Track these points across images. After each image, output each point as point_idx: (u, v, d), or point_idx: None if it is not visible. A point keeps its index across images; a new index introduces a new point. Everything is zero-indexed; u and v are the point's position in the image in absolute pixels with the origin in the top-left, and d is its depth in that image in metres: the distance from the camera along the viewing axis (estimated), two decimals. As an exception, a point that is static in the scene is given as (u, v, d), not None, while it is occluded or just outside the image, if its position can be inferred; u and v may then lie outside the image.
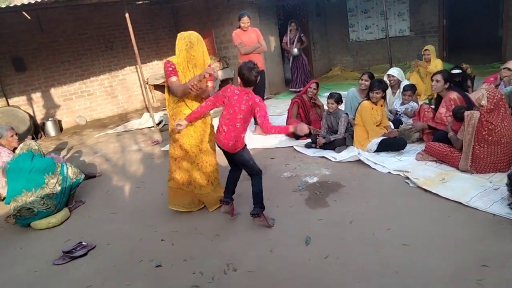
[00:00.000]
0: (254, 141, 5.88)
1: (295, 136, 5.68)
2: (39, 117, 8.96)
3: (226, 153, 3.47)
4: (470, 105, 4.13)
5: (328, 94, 5.29)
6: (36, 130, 8.55)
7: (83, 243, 3.54)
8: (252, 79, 3.24)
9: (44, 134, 8.71)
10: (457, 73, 6.08)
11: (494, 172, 3.76)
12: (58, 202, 4.17)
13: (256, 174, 3.41)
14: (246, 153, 3.40)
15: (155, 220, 3.90)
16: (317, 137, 5.18)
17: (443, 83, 4.60)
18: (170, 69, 3.49)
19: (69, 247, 3.48)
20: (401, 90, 5.73)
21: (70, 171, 4.39)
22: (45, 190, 4.09)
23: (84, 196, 4.77)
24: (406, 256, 2.78)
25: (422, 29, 10.09)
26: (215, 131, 3.54)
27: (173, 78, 3.48)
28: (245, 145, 3.43)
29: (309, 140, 5.38)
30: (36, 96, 8.94)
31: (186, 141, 3.64)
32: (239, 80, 3.30)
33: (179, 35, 3.54)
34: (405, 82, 5.91)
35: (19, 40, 8.45)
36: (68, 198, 4.38)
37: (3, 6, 6.48)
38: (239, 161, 3.44)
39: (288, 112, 6.00)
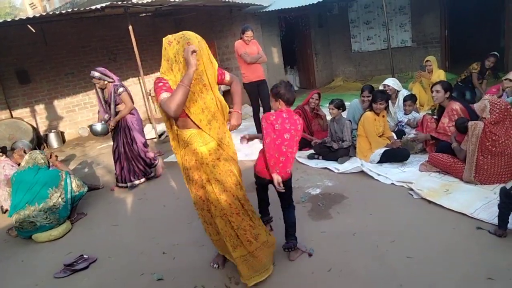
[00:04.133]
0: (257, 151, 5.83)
1: (298, 146, 5.67)
2: (42, 129, 9.02)
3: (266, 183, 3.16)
4: (473, 116, 4.10)
5: (330, 104, 5.31)
6: (39, 141, 8.58)
7: (85, 256, 3.51)
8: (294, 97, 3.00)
9: (47, 145, 8.74)
10: (494, 54, 6.46)
11: (498, 184, 3.71)
12: (60, 217, 4.14)
13: (292, 202, 3.16)
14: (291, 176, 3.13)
15: (156, 232, 3.87)
16: (321, 144, 5.25)
17: (444, 93, 4.59)
18: (160, 84, 2.51)
19: (71, 260, 3.46)
20: (399, 99, 5.74)
21: (74, 184, 4.38)
22: (48, 204, 4.07)
23: (86, 208, 4.75)
24: (411, 269, 2.73)
25: (424, 39, 10.12)
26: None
27: (164, 94, 2.47)
28: None
29: (311, 151, 5.37)
30: (40, 108, 9.02)
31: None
32: (280, 102, 2.93)
33: (164, 40, 2.54)
34: (403, 92, 5.91)
35: (23, 53, 8.56)
36: (70, 211, 4.37)
37: (9, 19, 6.57)
38: (288, 186, 3.07)
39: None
